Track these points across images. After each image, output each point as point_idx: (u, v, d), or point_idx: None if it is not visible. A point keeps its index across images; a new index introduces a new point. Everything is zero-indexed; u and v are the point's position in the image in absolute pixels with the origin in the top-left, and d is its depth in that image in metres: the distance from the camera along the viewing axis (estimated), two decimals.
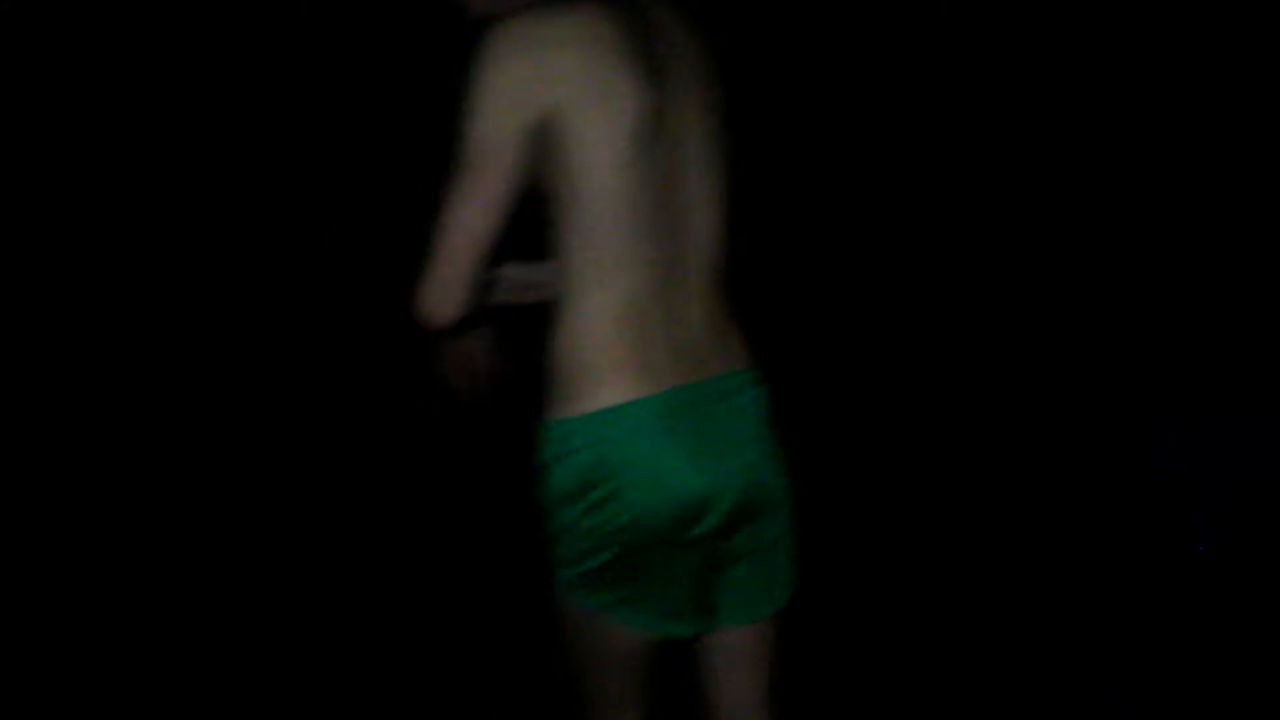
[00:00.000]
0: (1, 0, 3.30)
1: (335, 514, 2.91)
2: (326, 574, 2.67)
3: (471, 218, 1.28)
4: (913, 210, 3.78)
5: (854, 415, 3.26)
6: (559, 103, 1.28)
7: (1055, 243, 3.64)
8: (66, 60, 3.37)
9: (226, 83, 3.49)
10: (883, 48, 3.77)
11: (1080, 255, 3.61)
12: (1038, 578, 2.55)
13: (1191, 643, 2.28)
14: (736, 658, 1.50)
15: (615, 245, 1.31)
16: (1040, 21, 3.68)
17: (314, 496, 2.99)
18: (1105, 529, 2.73)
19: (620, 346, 1.32)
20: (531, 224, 1.38)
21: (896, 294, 3.68)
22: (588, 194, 1.30)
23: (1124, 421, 3.18)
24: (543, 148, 1.30)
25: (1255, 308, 3.35)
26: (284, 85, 3.52)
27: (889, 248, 3.74)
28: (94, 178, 3.43)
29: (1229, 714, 2.09)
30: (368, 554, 2.74)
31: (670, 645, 1.47)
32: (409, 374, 3.45)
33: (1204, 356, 3.29)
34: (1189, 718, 2.09)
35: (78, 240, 3.41)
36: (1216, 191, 3.50)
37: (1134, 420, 3.17)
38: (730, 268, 1.44)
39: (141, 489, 2.96)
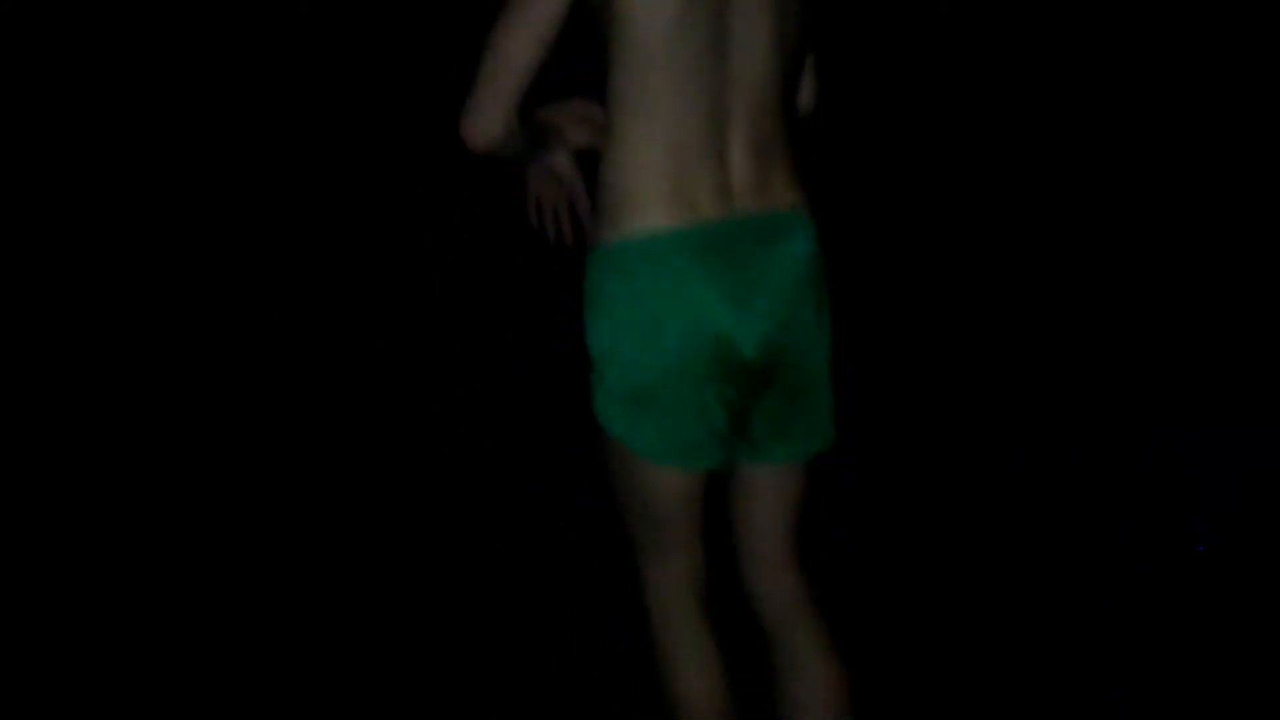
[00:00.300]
0: (2, 1, 3.30)
1: (337, 513, 2.91)
2: (327, 573, 2.67)
3: (516, 45, 1.36)
4: (912, 211, 3.78)
5: (853, 414, 3.25)
6: None
7: (1056, 243, 3.64)
8: (66, 60, 3.37)
9: (227, 83, 3.49)
10: (882, 48, 3.77)
11: (1081, 255, 3.61)
12: (1038, 578, 2.55)
13: (1191, 643, 2.28)
14: (764, 495, 1.57)
15: (661, 81, 1.38)
16: (1040, 21, 3.68)
17: (315, 496, 2.99)
18: (1105, 529, 2.73)
19: (661, 178, 1.40)
20: None
21: (896, 294, 3.68)
22: (634, 30, 1.37)
23: (1124, 421, 3.18)
24: None
25: (1255, 308, 3.35)
26: (284, 85, 3.52)
27: (888, 248, 3.74)
28: (94, 178, 3.43)
29: (1229, 714, 2.09)
30: (369, 553, 2.74)
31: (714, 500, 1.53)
32: (411, 373, 3.45)
33: (1204, 356, 3.29)
34: (1189, 718, 2.09)
35: (78, 240, 3.41)
36: (1216, 191, 3.50)
37: (1134, 420, 3.17)
38: (790, 113, 1.49)
39: (142, 489, 2.96)
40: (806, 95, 1.63)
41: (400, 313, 3.48)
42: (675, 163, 1.39)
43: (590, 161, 1.55)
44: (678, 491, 1.50)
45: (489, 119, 1.38)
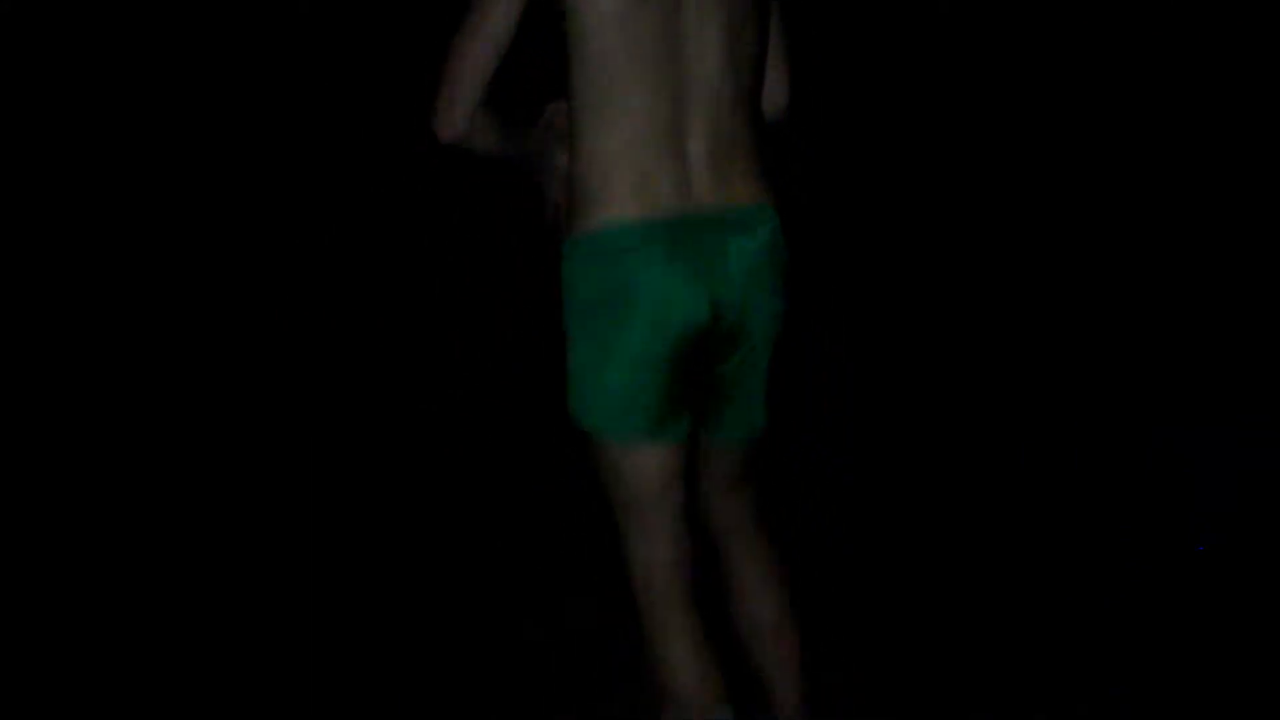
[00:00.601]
0: (2, 1, 3.30)
1: (337, 512, 2.92)
2: (327, 571, 2.67)
3: (476, 48, 1.48)
4: (912, 210, 3.78)
5: (853, 413, 3.26)
6: None
7: (1055, 242, 3.64)
8: (67, 60, 3.37)
9: (227, 83, 3.49)
10: (882, 47, 3.77)
11: (1080, 255, 3.61)
12: (1037, 578, 2.55)
13: (1191, 643, 2.28)
14: (719, 453, 1.68)
15: (618, 80, 1.48)
16: (1040, 21, 3.68)
17: (315, 495, 2.99)
18: (1105, 529, 2.73)
19: (623, 171, 1.50)
20: None
21: (896, 294, 3.69)
22: (586, 27, 1.47)
23: (1124, 421, 3.18)
24: None
25: (1255, 308, 3.35)
26: (284, 85, 3.52)
27: (888, 248, 3.74)
28: (94, 178, 3.43)
29: (1229, 714, 2.09)
30: (369, 553, 2.75)
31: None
32: (411, 374, 3.46)
33: (1204, 356, 3.29)
34: (1189, 718, 2.09)
35: (78, 240, 3.41)
36: (1216, 191, 3.50)
37: (1134, 420, 3.17)
38: (751, 110, 1.57)
39: (142, 488, 2.96)
40: (778, 95, 1.70)
41: (400, 313, 3.48)
42: (636, 156, 1.49)
43: None
44: (653, 472, 1.57)
45: (454, 116, 1.49)
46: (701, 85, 1.51)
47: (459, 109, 1.49)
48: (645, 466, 1.57)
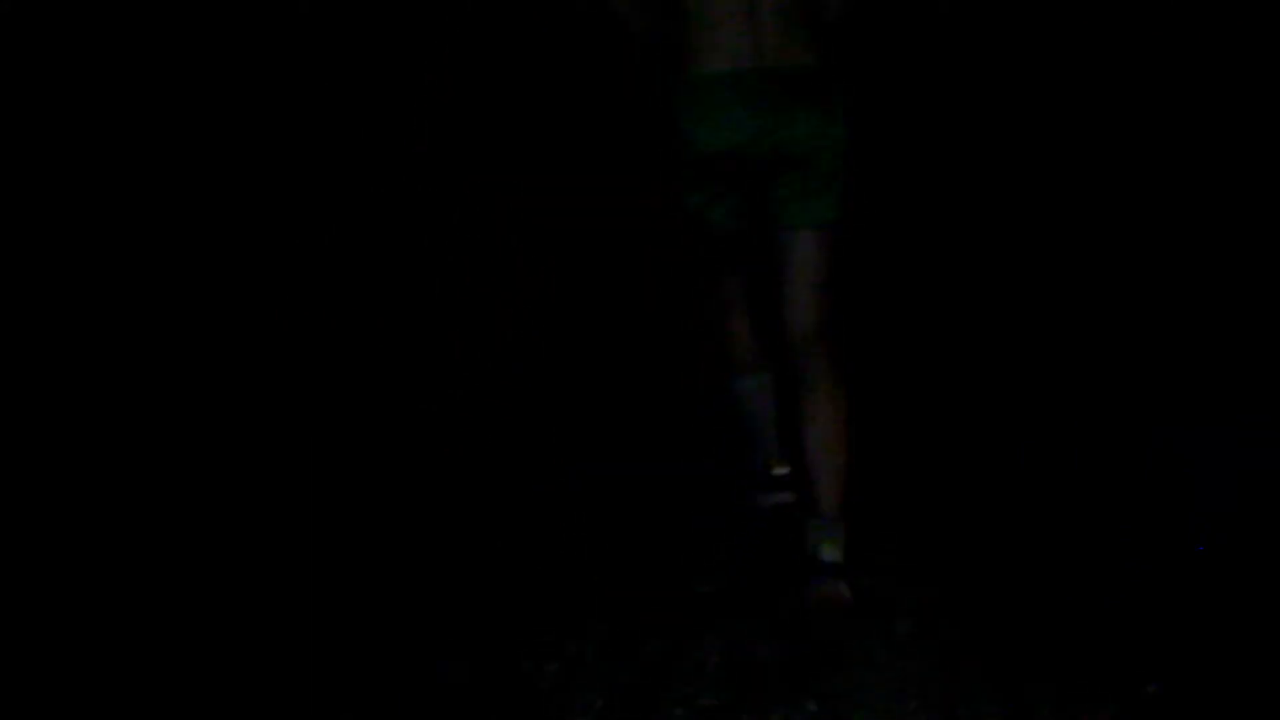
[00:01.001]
0: (2, 1, 3.31)
1: (337, 513, 2.92)
2: (327, 573, 2.67)
3: None
4: (913, 210, 3.78)
5: (854, 411, 3.25)
6: None
7: (1055, 242, 3.64)
8: (67, 60, 3.38)
9: (227, 83, 3.49)
10: (882, 47, 3.77)
11: (1080, 255, 3.61)
12: (1037, 578, 2.55)
13: (1191, 643, 2.28)
14: (788, 255, 2.30)
15: None
16: (1040, 21, 3.68)
17: (315, 496, 2.99)
18: (1105, 529, 2.73)
19: (715, 38, 2.21)
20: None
21: (896, 294, 3.69)
22: None
23: (1124, 421, 3.18)
24: None
25: (1255, 308, 3.35)
26: (284, 85, 3.53)
27: (888, 248, 3.75)
28: (94, 178, 3.44)
29: (1229, 714, 2.09)
30: (369, 553, 2.75)
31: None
32: (410, 375, 3.46)
33: (1204, 356, 3.29)
34: (1188, 718, 2.09)
35: (78, 240, 3.41)
36: (1216, 191, 3.50)
37: (1134, 420, 3.17)
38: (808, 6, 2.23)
39: (142, 489, 2.96)
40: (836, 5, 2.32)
41: (400, 313, 3.48)
42: (724, 29, 2.19)
43: None
44: (718, 235, 2.39)
45: None
46: None
47: None
48: (714, 231, 2.38)
